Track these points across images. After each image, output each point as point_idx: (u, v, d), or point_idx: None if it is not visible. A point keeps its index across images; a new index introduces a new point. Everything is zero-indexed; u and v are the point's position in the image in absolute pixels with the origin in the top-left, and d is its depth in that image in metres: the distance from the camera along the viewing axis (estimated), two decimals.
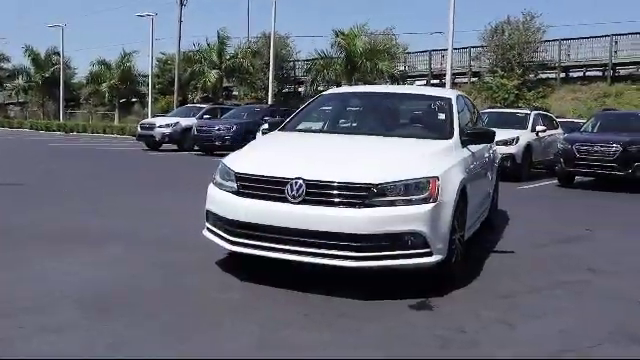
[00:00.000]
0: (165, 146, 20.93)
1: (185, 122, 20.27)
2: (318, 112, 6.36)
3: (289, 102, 31.55)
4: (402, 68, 32.23)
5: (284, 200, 4.29)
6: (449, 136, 5.35)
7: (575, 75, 33.18)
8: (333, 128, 6.03)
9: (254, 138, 18.14)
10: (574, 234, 7.19)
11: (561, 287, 4.86)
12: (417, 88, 6.78)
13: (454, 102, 5.85)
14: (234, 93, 39.27)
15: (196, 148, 19.88)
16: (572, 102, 31.19)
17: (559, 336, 3.75)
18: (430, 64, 34.45)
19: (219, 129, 18.37)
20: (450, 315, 4.04)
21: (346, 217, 4.18)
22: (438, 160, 4.74)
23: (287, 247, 4.29)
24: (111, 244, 5.56)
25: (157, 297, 4.17)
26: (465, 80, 34.73)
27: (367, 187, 4.22)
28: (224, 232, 4.58)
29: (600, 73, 32.86)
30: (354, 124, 6.06)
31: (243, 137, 18.38)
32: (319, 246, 4.23)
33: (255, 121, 19.02)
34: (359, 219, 4.16)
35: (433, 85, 35.37)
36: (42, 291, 4.13)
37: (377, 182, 4.22)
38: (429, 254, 4.30)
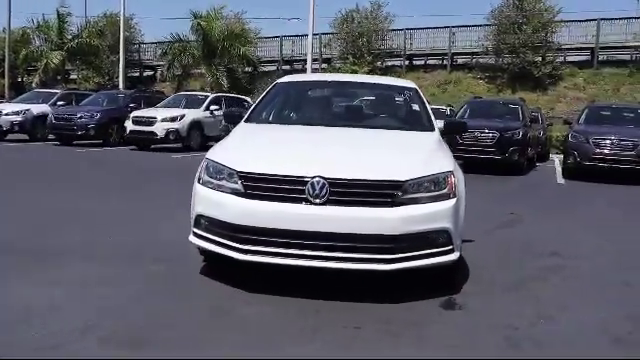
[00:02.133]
0: (11, 136, 18.68)
1: (37, 109, 18.26)
2: (280, 102, 5.97)
3: (138, 87, 29.87)
4: (257, 53, 31.91)
5: (304, 201, 3.96)
6: (431, 128, 5.31)
7: (418, 63, 35.18)
8: (310, 120, 5.57)
9: (121, 126, 17.01)
10: (505, 219, 7.58)
11: (549, 273, 5.07)
12: (377, 77, 6.63)
13: (420, 92, 5.83)
14: (72, 77, 36.28)
15: (51, 137, 18.08)
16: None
17: (602, 324, 3.89)
18: (281, 50, 34.56)
19: (81, 117, 16.78)
20: (487, 312, 4.03)
21: (377, 217, 3.95)
22: (443, 153, 4.69)
23: (309, 253, 3.96)
24: (68, 261, 4.78)
25: (169, 326, 3.56)
26: (316, 66, 35.31)
27: (395, 184, 4.03)
28: (229, 240, 4.08)
29: (440, 61, 35.22)
30: (331, 115, 5.75)
31: (108, 126, 17.16)
32: (347, 250, 3.96)
33: (119, 108, 17.74)
34: (391, 219, 3.96)
35: (285, 71, 35.64)
36: (26, 322, 3.45)
37: (405, 179, 4.05)
38: (452, 251, 4.23)
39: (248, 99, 19.48)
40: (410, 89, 5.94)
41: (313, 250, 3.96)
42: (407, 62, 34.36)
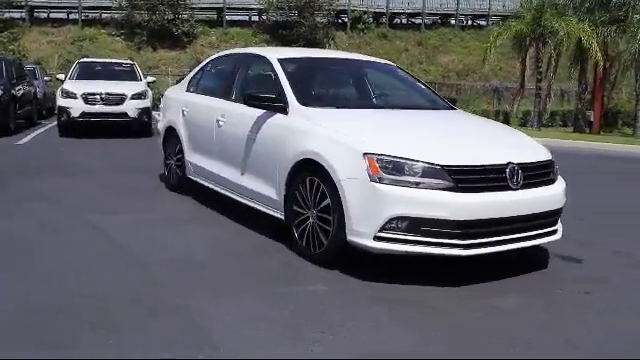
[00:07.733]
0: None
1: None
2: (311, 82, 5.39)
3: None
4: None
5: (506, 188, 4.11)
6: (449, 105, 5.67)
7: (42, 16, 31.95)
8: (360, 102, 5.32)
9: None
10: None
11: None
12: (359, 55, 6.15)
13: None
14: None
15: None
16: (50, 46, 30.07)
17: None
18: None
19: None
20: (600, 260, 4.81)
21: (553, 194, 4.37)
22: None
23: (511, 237, 4.15)
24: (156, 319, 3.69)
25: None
26: None
27: (551, 163, 4.50)
28: (448, 237, 3.90)
29: (66, 16, 32.63)
30: (376, 97, 5.48)
31: None
32: (533, 228, 4.27)
33: None
34: (559, 194, 4.44)
35: None
36: None
37: (550, 158, 4.55)
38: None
39: None
40: (398, 67, 6.11)
41: (514, 233, 4.16)
42: (30, 15, 30.85)
